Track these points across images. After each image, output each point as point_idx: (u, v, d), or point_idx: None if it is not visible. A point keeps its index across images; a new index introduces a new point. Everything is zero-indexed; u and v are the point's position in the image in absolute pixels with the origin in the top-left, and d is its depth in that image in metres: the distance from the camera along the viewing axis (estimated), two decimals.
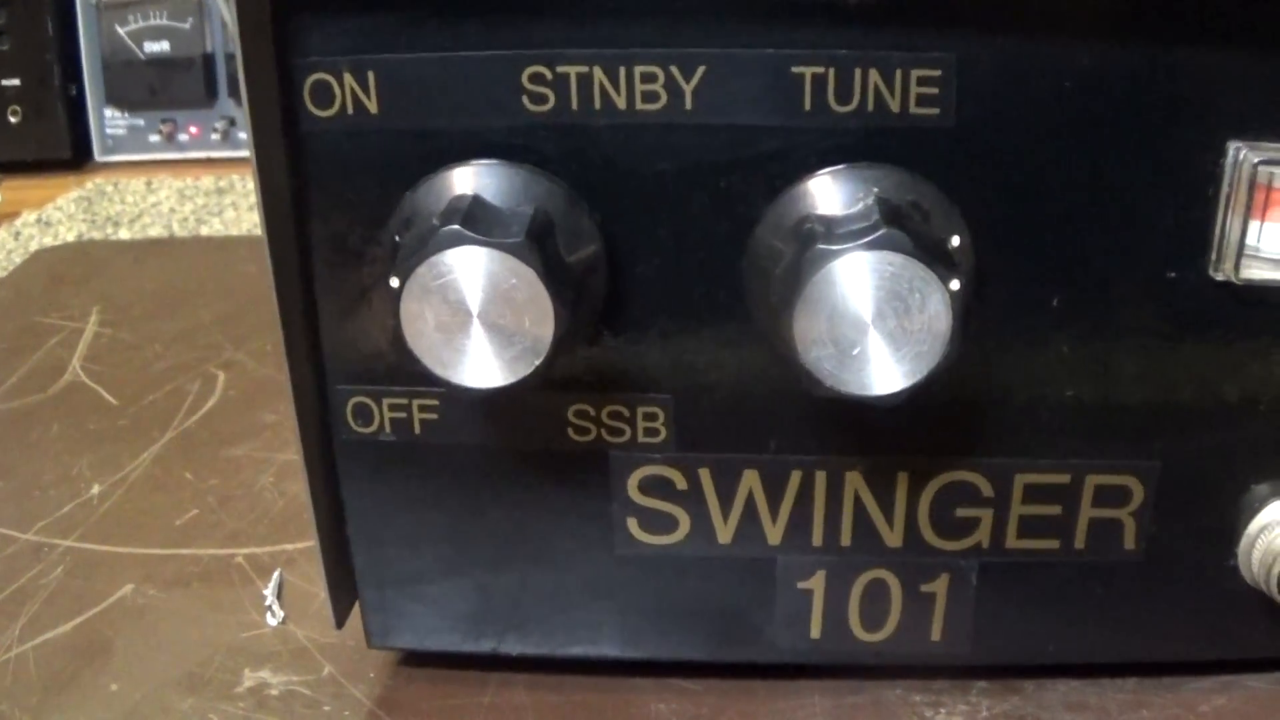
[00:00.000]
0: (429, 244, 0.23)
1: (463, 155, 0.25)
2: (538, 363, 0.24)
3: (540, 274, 0.23)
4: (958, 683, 0.30)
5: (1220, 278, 0.26)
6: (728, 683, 0.30)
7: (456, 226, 0.23)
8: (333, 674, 0.31)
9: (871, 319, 0.23)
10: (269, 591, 0.34)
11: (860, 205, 0.24)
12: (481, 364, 0.24)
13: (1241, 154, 0.26)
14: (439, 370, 0.24)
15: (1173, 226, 0.26)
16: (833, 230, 0.23)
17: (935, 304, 0.23)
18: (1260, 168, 0.26)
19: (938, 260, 0.23)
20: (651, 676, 0.30)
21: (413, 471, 0.28)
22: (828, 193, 0.24)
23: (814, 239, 0.23)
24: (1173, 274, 0.26)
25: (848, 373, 0.24)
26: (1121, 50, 0.24)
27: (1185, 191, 0.25)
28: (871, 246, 0.23)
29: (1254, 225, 0.27)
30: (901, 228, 0.23)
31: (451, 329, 0.24)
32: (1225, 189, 0.26)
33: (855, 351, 0.23)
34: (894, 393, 0.24)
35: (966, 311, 0.24)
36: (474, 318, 0.24)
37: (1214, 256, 0.26)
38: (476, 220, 0.24)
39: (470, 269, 0.23)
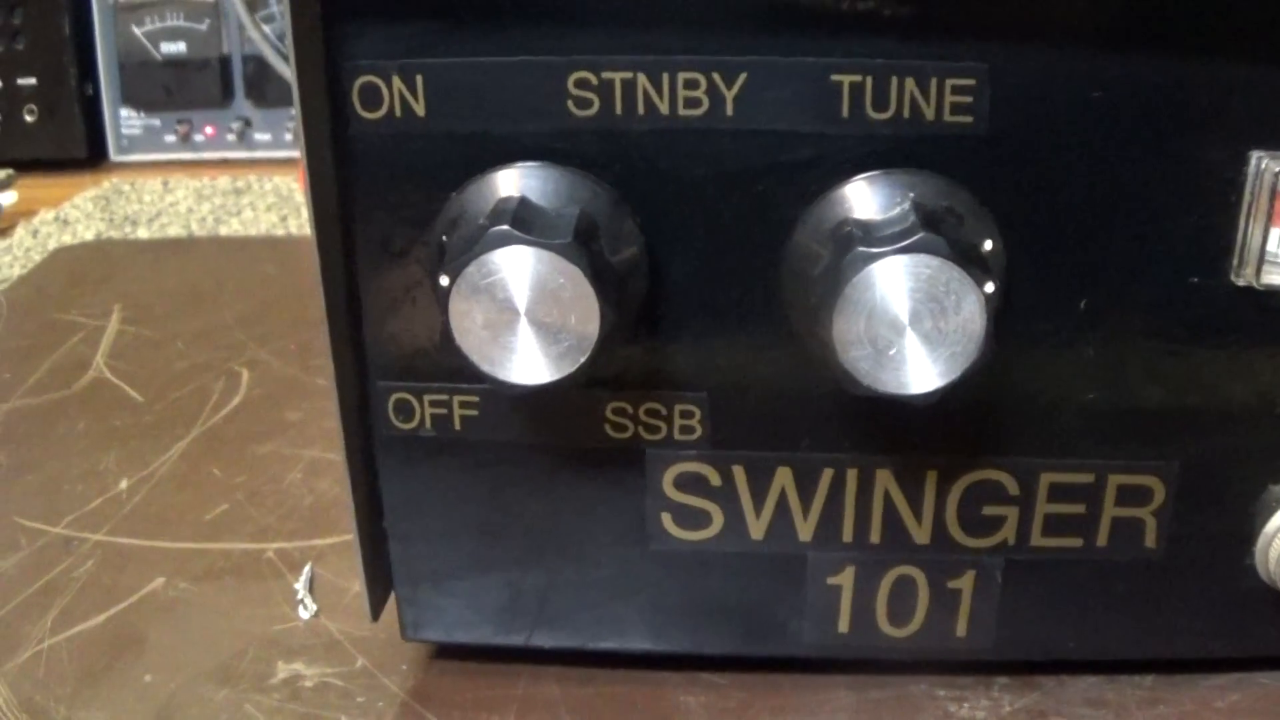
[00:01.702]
0: (479, 244, 0.24)
1: (508, 158, 0.26)
2: (583, 360, 0.24)
3: (587, 274, 0.24)
4: (980, 678, 0.30)
5: (1242, 283, 0.27)
6: (755, 676, 0.31)
7: (506, 227, 0.24)
8: (366, 666, 0.31)
9: (908, 320, 0.24)
10: (300, 585, 0.35)
11: (897, 210, 0.25)
12: (528, 361, 0.25)
13: (1263, 163, 0.27)
14: (486, 367, 0.25)
15: (1195, 233, 0.27)
16: (871, 234, 0.24)
17: (970, 306, 0.24)
18: None
19: (972, 264, 0.24)
20: (680, 670, 0.31)
21: (451, 467, 0.28)
22: (865, 197, 0.25)
23: (853, 242, 0.24)
24: (1195, 279, 0.27)
25: (884, 372, 0.24)
26: (1148, 61, 0.25)
27: (1208, 199, 0.26)
28: (909, 250, 0.23)
29: (1275, 232, 0.27)
30: (938, 232, 0.24)
31: (499, 327, 0.24)
32: (1247, 197, 0.27)
33: (892, 352, 0.24)
34: (929, 392, 0.24)
35: (999, 314, 0.25)
36: (521, 316, 0.24)
37: (1236, 262, 0.27)
38: (525, 221, 0.24)
39: (518, 268, 0.24)
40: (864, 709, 0.30)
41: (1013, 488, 0.28)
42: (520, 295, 0.24)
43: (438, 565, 0.29)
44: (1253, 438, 0.28)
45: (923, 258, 0.24)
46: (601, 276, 0.24)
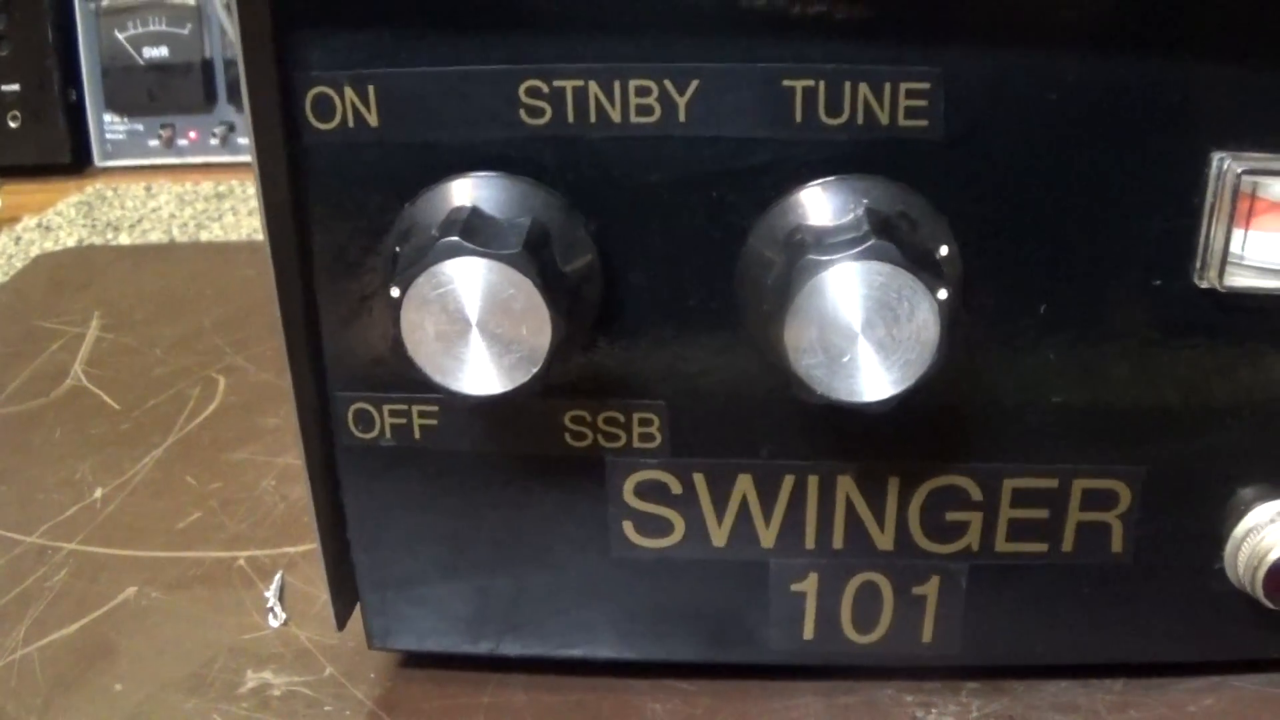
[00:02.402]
0: (429, 255, 0.24)
1: (461, 167, 0.25)
2: (535, 370, 0.24)
3: (537, 284, 0.24)
4: (949, 683, 0.30)
5: (1205, 285, 0.27)
6: (723, 683, 0.31)
7: (455, 238, 0.24)
8: (334, 675, 0.31)
9: (861, 328, 0.24)
10: (270, 594, 0.35)
11: (850, 216, 0.24)
12: (480, 372, 0.24)
13: (1225, 164, 0.26)
14: (438, 378, 0.25)
15: (1158, 235, 0.26)
16: (823, 240, 0.24)
17: (923, 313, 0.24)
18: (1244, 177, 0.26)
19: (925, 270, 0.24)
20: (648, 677, 0.31)
21: (412, 476, 0.28)
22: (818, 203, 0.25)
23: (804, 249, 0.24)
24: (1158, 282, 0.27)
25: (838, 380, 0.24)
26: (1106, 64, 0.25)
27: (1170, 201, 0.26)
28: (861, 257, 0.23)
29: (1238, 234, 0.27)
30: (890, 238, 0.24)
31: (450, 338, 0.24)
32: (1209, 198, 0.26)
33: (845, 359, 0.24)
34: (884, 399, 0.24)
35: (954, 320, 0.25)
36: (473, 327, 0.24)
37: (1199, 264, 0.27)
38: (475, 231, 0.24)
39: (469, 279, 0.24)
40: (832, 715, 0.30)
41: (976, 493, 0.28)
42: (471, 306, 0.24)
43: (402, 574, 0.29)
44: (1219, 441, 0.28)
45: (874, 264, 0.23)
46: (552, 286, 0.24)
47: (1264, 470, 0.29)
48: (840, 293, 0.23)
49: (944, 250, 0.25)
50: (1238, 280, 0.27)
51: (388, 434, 0.28)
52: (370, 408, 0.28)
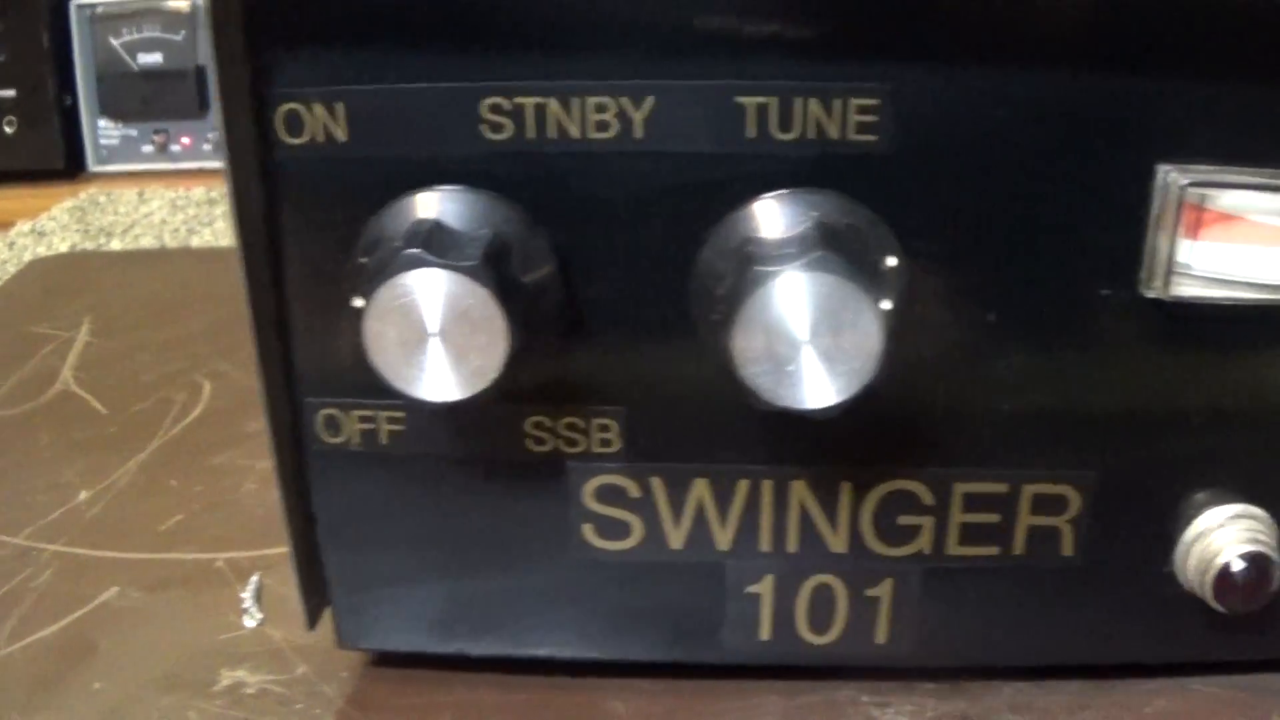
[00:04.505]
0: (391, 266, 0.25)
1: (425, 181, 0.26)
2: (493, 378, 0.25)
3: (494, 294, 0.25)
4: (906, 684, 0.31)
5: (1151, 295, 0.28)
6: (686, 683, 0.31)
7: (417, 250, 0.25)
8: (306, 673, 0.32)
9: (806, 337, 0.24)
10: (247, 594, 0.35)
11: (798, 229, 0.25)
12: (439, 379, 0.25)
13: (1170, 176, 0.27)
14: (400, 385, 0.25)
15: (1104, 246, 0.27)
16: (771, 252, 0.25)
17: (867, 323, 0.25)
18: (1188, 189, 0.27)
19: (869, 282, 0.24)
20: (612, 677, 0.31)
21: (380, 480, 0.29)
22: (769, 217, 0.26)
23: (752, 260, 0.25)
24: (1106, 292, 0.27)
25: (784, 388, 0.25)
26: (1052, 79, 0.26)
27: (1116, 213, 0.27)
28: (806, 268, 0.24)
29: (1183, 244, 0.28)
30: (836, 250, 0.24)
31: (411, 346, 0.25)
32: (1154, 209, 0.27)
33: (791, 368, 0.25)
34: (828, 406, 0.25)
35: (899, 330, 0.25)
36: (433, 336, 0.25)
37: (1144, 274, 0.27)
38: (435, 244, 0.25)
39: (429, 290, 0.25)
40: (791, 714, 0.31)
41: (927, 498, 0.29)
42: (432, 316, 0.25)
43: (371, 576, 0.30)
44: (1167, 447, 0.29)
45: (819, 275, 0.24)
46: (510, 297, 0.25)
47: (1213, 476, 0.29)
48: (786, 303, 0.24)
49: (891, 261, 0.26)
50: (1183, 290, 0.28)
51: (356, 439, 0.28)
52: (339, 413, 0.28)
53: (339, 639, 0.31)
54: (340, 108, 0.26)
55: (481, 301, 0.25)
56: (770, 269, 0.24)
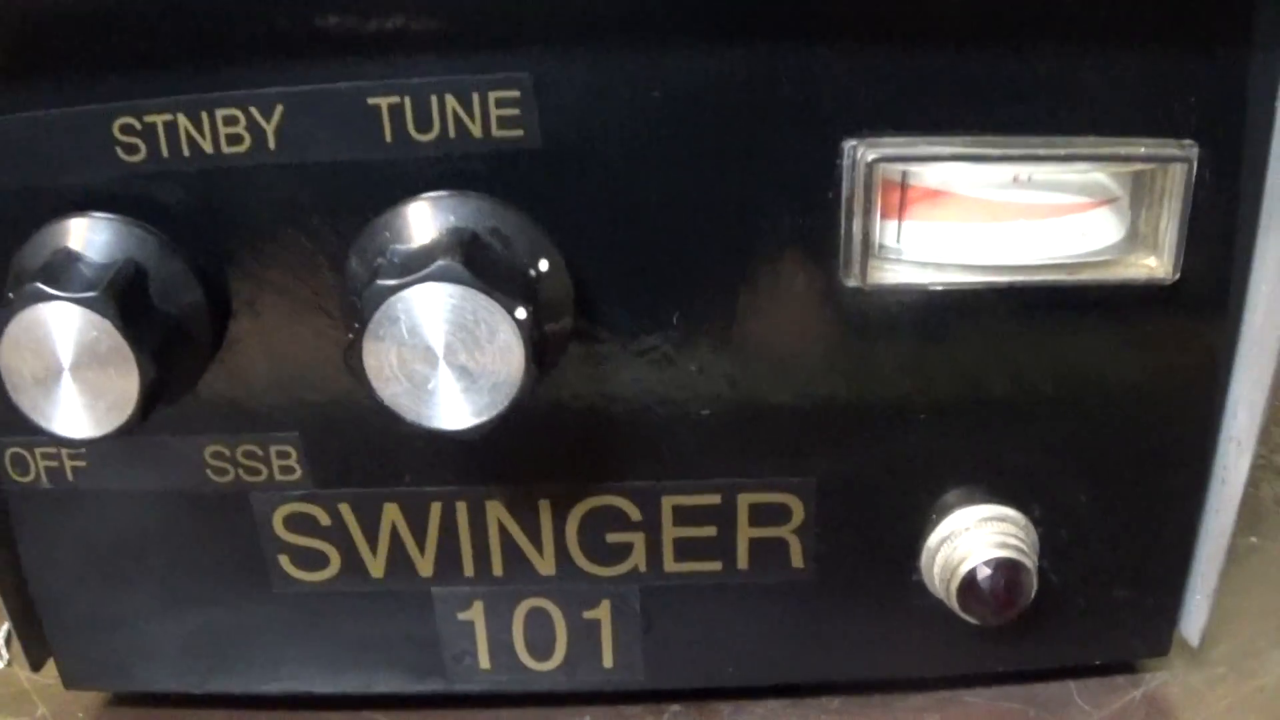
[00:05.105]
0: (16, 301, 0.24)
1: (65, 210, 0.25)
2: (129, 413, 0.24)
3: (118, 326, 0.23)
4: (650, 706, 0.29)
5: (852, 284, 0.25)
6: (427, 713, 0.29)
7: (38, 284, 0.23)
8: (45, 715, 0.31)
9: (441, 353, 0.23)
10: None
11: (432, 237, 0.23)
12: (76, 416, 0.24)
13: (859, 152, 0.24)
14: (42, 423, 0.24)
15: (792, 234, 0.25)
16: (396, 264, 0.23)
17: (505, 334, 0.23)
18: (879, 165, 0.24)
19: (502, 289, 0.22)
20: (348, 710, 0.30)
21: (75, 519, 0.28)
22: (402, 225, 0.24)
23: (379, 274, 0.23)
24: (799, 283, 0.25)
25: (426, 407, 0.23)
26: (710, 55, 0.23)
27: (801, 196, 0.24)
28: (427, 279, 0.22)
29: (888, 226, 0.25)
30: (467, 258, 0.22)
31: (47, 382, 0.24)
32: (845, 190, 0.25)
33: (430, 386, 0.23)
34: (475, 426, 0.23)
35: (560, 338, 0.24)
36: (65, 371, 0.24)
37: (841, 263, 0.25)
38: (62, 276, 0.24)
39: (55, 325, 0.23)
40: None
41: (634, 513, 0.27)
42: (63, 350, 0.23)
43: (84, 616, 0.29)
44: (896, 447, 0.26)
45: (444, 287, 0.22)
46: (139, 328, 0.23)
47: (956, 475, 0.27)
48: (413, 318, 0.22)
49: (543, 265, 0.24)
50: (888, 277, 0.26)
51: (44, 477, 0.27)
52: (24, 451, 0.27)
53: (64, 681, 0.30)
54: None
55: (107, 334, 0.23)
56: (390, 282, 0.22)
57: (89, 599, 0.28)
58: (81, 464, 0.27)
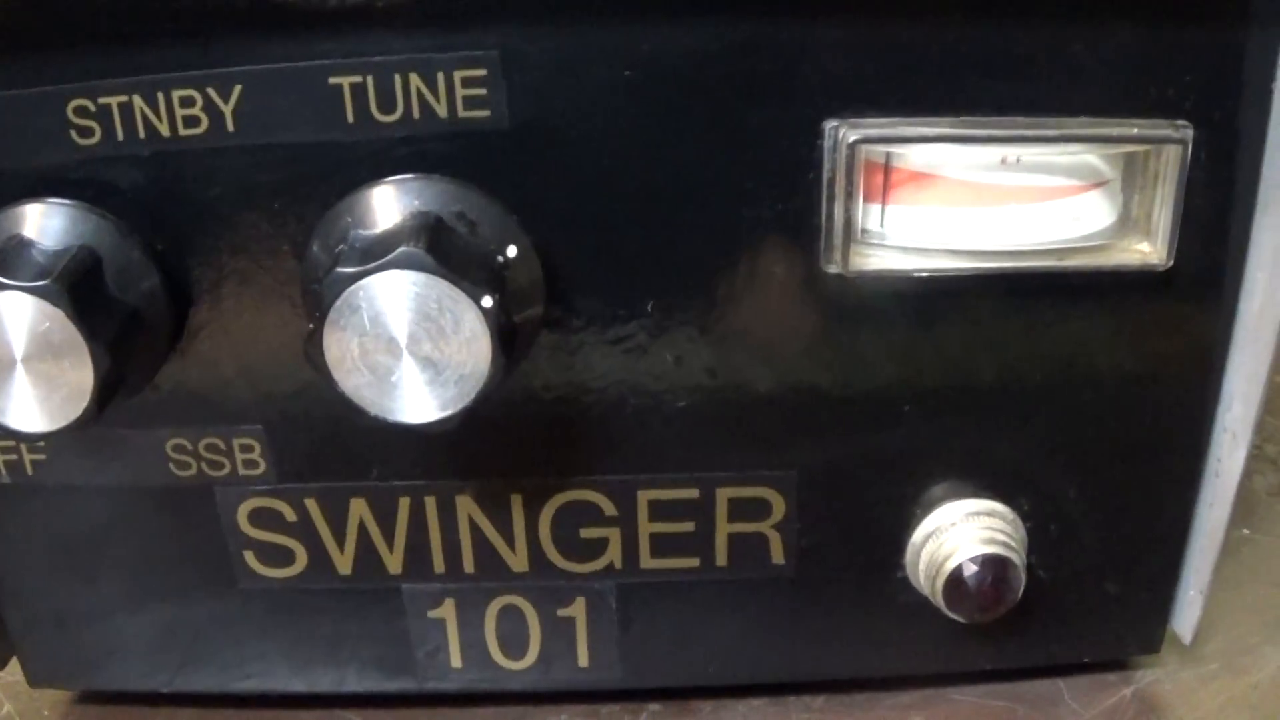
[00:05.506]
0: None
1: (18, 196, 0.24)
2: (84, 406, 0.23)
3: (72, 316, 0.22)
4: (628, 705, 0.28)
5: (833, 270, 0.24)
6: (399, 711, 0.29)
7: None
8: (10, 712, 0.31)
9: (405, 344, 0.22)
10: None
11: (395, 222, 0.23)
12: (30, 409, 0.23)
13: (840, 133, 0.23)
14: None
15: (772, 219, 0.24)
16: (358, 250, 0.22)
17: (470, 323, 0.22)
18: (862, 146, 0.23)
19: (468, 277, 0.22)
20: (319, 708, 0.29)
21: (36, 514, 0.27)
22: (366, 210, 0.23)
23: (340, 261, 0.22)
24: (779, 269, 0.24)
25: (390, 400, 0.22)
26: (685, 32, 0.22)
27: (780, 179, 0.23)
28: (389, 267, 0.21)
29: (865, 209, 0.24)
30: (431, 243, 0.22)
31: (0, 374, 0.23)
32: (826, 173, 0.24)
33: (394, 378, 0.22)
34: (442, 419, 0.22)
35: (532, 326, 0.23)
36: (18, 363, 0.23)
37: (822, 248, 0.24)
38: (14, 263, 0.23)
39: (7, 314, 0.22)
40: None
41: (609, 507, 0.26)
42: (15, 341, 0.22)
43: (47, 613, 0.28)
44: (879, 440, 0.26)
45: (406, 274, 0.21)
46: (93, 316, 0.22)
47: (941, 468, 0.26)
48: (375, 307, 0.21)
49: (511, 251, 0.23)
50: (871, 263, 0.25)
51: (2, 471, 0.26)
52: None
53: (28, 679, 0.29)
54: None
55: (60, 324, 0.22)
56: (352, 270, 0.21)
57: (52, 595, 0.28)
58: (40, 457, 0.26)
